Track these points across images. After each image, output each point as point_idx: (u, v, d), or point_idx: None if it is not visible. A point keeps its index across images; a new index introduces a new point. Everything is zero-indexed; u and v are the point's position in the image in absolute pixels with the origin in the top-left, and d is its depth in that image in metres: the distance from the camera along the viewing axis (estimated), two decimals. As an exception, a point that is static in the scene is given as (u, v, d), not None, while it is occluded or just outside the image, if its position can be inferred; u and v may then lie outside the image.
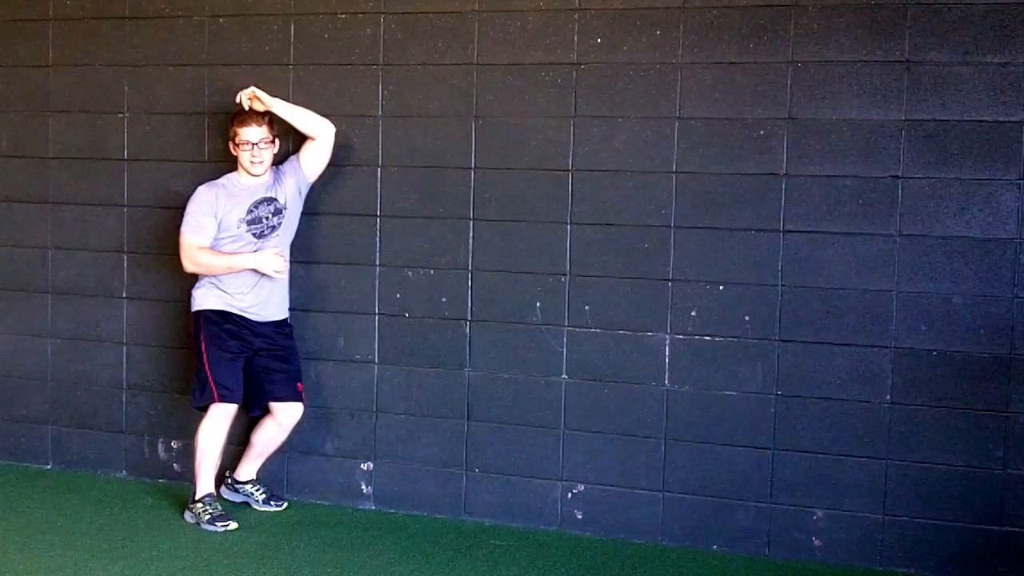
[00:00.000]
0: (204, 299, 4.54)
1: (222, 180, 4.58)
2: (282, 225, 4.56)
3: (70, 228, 5.12)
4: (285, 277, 4.58)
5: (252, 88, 4.52)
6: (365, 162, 4.68)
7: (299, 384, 4.63)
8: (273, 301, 4.59)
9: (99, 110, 5.04)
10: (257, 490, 4.74)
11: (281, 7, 4.74)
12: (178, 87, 4.91)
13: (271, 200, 4.55)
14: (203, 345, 4.51)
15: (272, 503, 4.72)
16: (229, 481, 4.77)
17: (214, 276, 4.51)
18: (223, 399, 4.49)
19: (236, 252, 4.49)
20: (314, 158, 4.58)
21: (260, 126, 4.49)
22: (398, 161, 4.65)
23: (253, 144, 4.46)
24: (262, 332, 4.57)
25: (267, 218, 4.53)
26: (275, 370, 4.60)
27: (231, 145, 4.52)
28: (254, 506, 4.72)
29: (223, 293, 4.51)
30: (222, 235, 4.50)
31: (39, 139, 5.14)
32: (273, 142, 4.53)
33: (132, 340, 5.07)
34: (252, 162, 4.48)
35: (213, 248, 4.50)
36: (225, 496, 4.74)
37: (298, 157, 4.60)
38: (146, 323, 5.03)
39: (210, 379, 4.48)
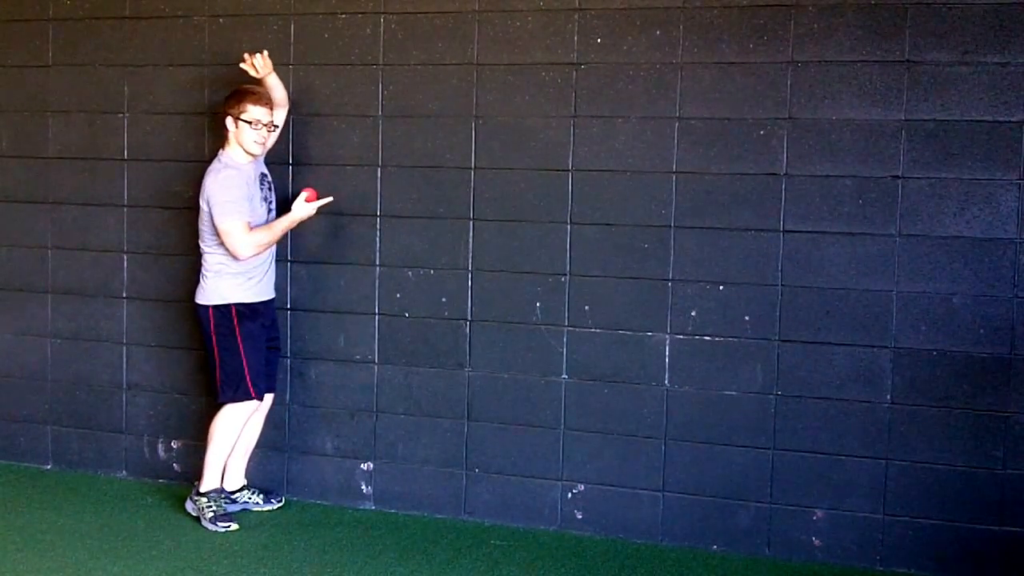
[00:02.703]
0: (232, 291, 4.43)
1: (230, 162, 4.45)
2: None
3: (70, 228, 5.12)
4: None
5: (264, 52, 4.49)
6: (365, 162, 4.68)
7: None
8: (271, 274, 4.60)
9: (99, 110, 5.04)
10: (253, 493, 4.72)
11: (281, 7, 4.74)
12: (178, 87, 4.91)
13: (264, 175, 4.57)
14: (239, 341, 4.43)
15: (273, 500, 4.72)
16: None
17: (239, 264, 4.39)
18: (257, 396, 4.50)
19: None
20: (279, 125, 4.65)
21: (269, 107, 4.45)
22: (398, 161, 4.65)
23: (263, 124, 4.41)
24: (272, 317, 4.60)
25: (269, 192, 4.57)
26: (272, 361, 4.64)
27: (231, 120, 4.40)
28: (254, 509, 4.71)
29: (250, 281, 4.45)
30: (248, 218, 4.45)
31: (39, 139, 5.14)
32: (276, 127, 4.55)
33: (132, 340, 5.07)
34: (256, 142, 4.41)
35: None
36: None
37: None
38: (146, 323, 5.03)
39: (247, 376, 4.44)
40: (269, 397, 4.68)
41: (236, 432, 4.53)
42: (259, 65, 4.47)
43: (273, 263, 4.60)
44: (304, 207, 4.46)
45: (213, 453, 4.53)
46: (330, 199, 4.54)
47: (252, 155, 4.46)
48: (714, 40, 4.25)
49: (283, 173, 4.72)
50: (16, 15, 5.13)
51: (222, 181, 4.37)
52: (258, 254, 4.41)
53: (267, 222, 4.48)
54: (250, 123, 4.39)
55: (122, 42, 4.98)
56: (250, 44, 4.78)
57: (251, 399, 4.48)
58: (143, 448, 5.09)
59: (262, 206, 4.48)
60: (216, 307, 4.44)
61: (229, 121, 4.42)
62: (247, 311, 4.45)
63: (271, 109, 4.47)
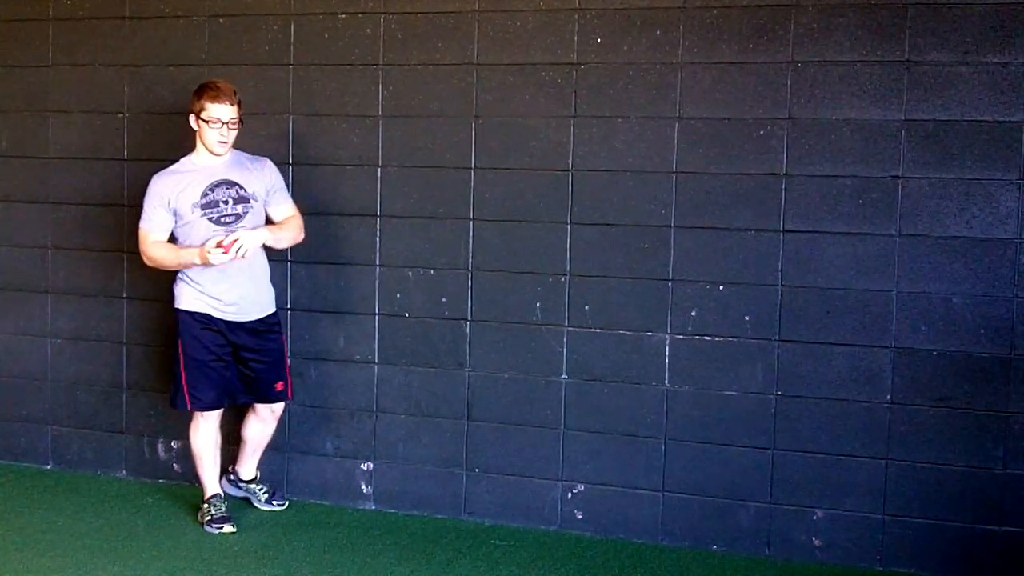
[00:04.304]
0: (184, 297, 4.39)
1: (175, 165, 4.40)
2: (248, 215, 4.36)
3: (70, 228, 5.12)
4: (230, 259, 4.22)
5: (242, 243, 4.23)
6: (365, 162, 4.68)
7: (278, 384, 4.52)
8: (252, 299, 4.43)
9: (99, 110, 5.04)
10: (260, 489, 4.74)
11: (281, 7, 4.74)
12: (178, 87, 4.91)
13: (232, 184, 4.34)
14: (180, 348, 4.41)
15: (274, 502, 4.72)
16: (232, 477, 4.75)
17: (192, 273, 4.34)
18: (195, 407, 4.43)
19: (191, 244, 4.29)
20: (272, 211, 4.49)
21: (232, 105, 4.28)
22: (398, 161, 4.65)
23: (223, 122, 4.28)
24: (246, 333, 4.43)
25: (226, 203, 4.32)
26: (258, 372, 4.49)
27: (194, 118, 4.29)
28: (256, 504, 4.71)
29: (203, 294, 4.36)
30: (180, 223, 4.33)
31: (39, 139, 5.14)
32: (240, 123, 4.36)
33: (132, 340, 5.07)
34: (219, 141, 4.29)
35: (180, 237, 4.35)
36: (226, 490, 4.71)
37: (279, 202, 4.46)
38: (146, 323, 5.03)
39: (184, 386, 4.40)
40: (271, 406, 4.57)
41: (202, 443, 4.49)
42: (239, 252, 4.21)
43: (245, 285, 4.39)
44: (214, 255, 4.17)
45: (196, 464, 4.56)
46: (230, 258, 4.21)
47: (216, 154, 4.34)
48: (714, 40, 4.25)
49: (283, 173, 4.70)
50: (16, 15, 5.13)
51: (148, 185, 4.36)
52: (155, 266, 4.36)
53: (225, 231, 4.28)
54: (207, 122, 4.28)
55: (122, 42, 4.98)
56: (250, 44, 4.78)
57: (186, 409, 4.44)
58: (143, 448, 5.09)
59: (195, 212, 4.28)
60: (175, 309, 4.44)
61: (192, 119, 4.33)
62: (192, 320, 4.38)
63: (232, 104, 4.29)
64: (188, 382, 4.40)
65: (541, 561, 4.23)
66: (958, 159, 4.04)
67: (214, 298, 4.36)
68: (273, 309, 4.54)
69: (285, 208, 4.51)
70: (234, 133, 4.35)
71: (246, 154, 4.49)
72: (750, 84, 4.22)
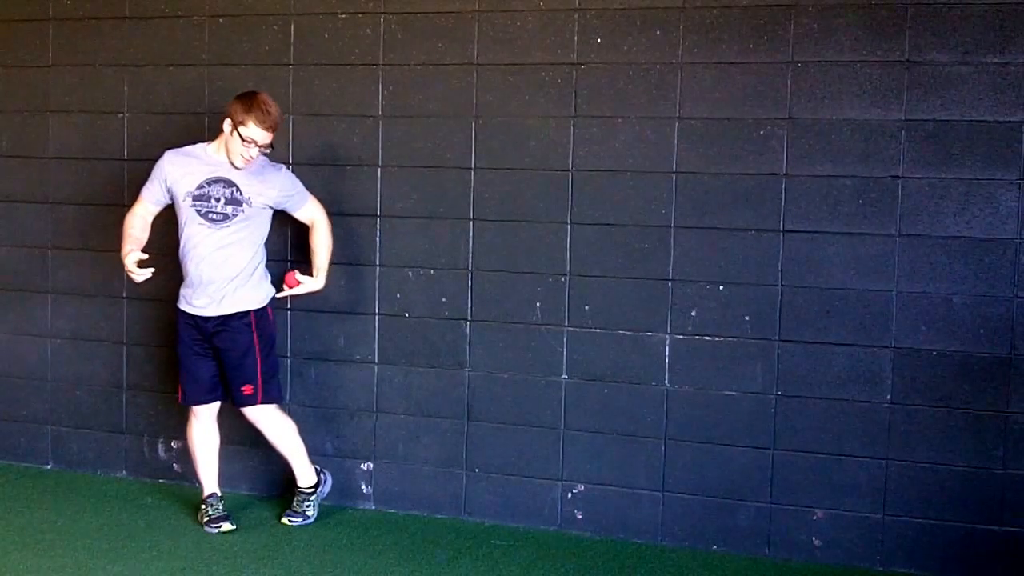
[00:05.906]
0: (179, 296, 4.47)
1: (190, 147, 4.42)
2: (238, 218, 4.31)
3: (70, 228, 5.12)
4: (144, 276, 4.27)
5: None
6: (365, 162, 4.68)
7: (245, 387, 4.43)
8: (222, 296, 4.36)
9: (99, 110, 5.04)
10: (298, 499, 4.60)
11: (281, 7, 4.74)
12: (178, 87, 4.91)
13: (230, 184, 4.31)
14: (176, 345, 4.52)
15: (287, 518, 4.58)
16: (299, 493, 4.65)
17: (184, 271, 4.40)
18: (183, 402, 4.52)
19: (182, 228, 4.35)
20: (294, 216, 4.55)
21: (273, 132, 4.26)
22: (398, 161, 4.65)
23: (258, 145, 4.26)
24: (214, 325, 4.40)
25: (218, 200, 4.30)
26: (227, 371, 4.46)
27: (229, 124, 4.23)
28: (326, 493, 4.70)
29: (184, 289, 4.43)
30: (174, 203, 4.39)
31: (39, 139, 5.14)
32: (271, 148, 4.34)
33: (132, 340, 5.07)
34: (243, 158, 4.26)
35: (177, 215, 4.38)
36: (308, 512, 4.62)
37: (295, 207, 4.48)
38: (146, 323, 5.03)
39: (180, 379, 4.52)
40: (247, 411, 4.48)
41: (196, 440, 4.55)
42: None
43: (215, 284, 4.34)
44: (130, 271, 4.26)
45: (193, 462, 4.61)
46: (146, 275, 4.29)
47: (235, 166, 4.31)
48: (714, 40, 4.25)
49: (283, 173, 4.72)
50: (16, 15, 5.13)
51: (161, 156, 4.42)
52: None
53: (209, 227, 4.29)
54: (243, 139, 4.23)
55: (122, 42, 4.98)
56: (250, 44, 4.78)
57: (180, 403, 4.56)
58: (143, 448, 5.09)
59: (186, 200, 4.31)
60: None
61: (227, 124, 4.27)
62: (179, 317, 4.47)
63: (272, 132, 4.27)
64: (181, 376, 4.52)
65: (541, 561, 4.23)
66: (958, 159, 4.04)
67: (187, 288, 4.42)
68: (249, 308, 4.43)
69: (307, 209, 4.53)
70: (259, 155, 4.33)
71: (266, 158, 4.43)
72: (750, 84, 4.22)
